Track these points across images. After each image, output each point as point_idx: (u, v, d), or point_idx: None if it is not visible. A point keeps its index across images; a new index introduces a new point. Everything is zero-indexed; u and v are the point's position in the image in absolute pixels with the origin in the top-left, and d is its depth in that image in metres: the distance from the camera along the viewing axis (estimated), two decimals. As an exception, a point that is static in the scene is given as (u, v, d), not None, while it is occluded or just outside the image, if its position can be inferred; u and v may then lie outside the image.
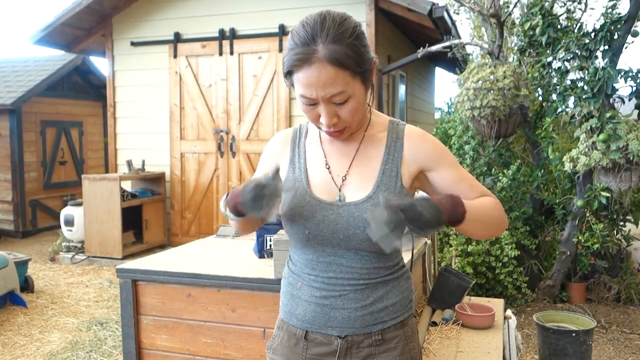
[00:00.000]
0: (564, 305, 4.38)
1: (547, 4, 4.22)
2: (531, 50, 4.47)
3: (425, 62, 8.86)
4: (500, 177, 4.41)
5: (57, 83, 8.40)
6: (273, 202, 1.10)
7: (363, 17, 5.43)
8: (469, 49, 6.37)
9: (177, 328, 2.12)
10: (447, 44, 5.03)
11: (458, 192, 1.22)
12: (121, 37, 6.52)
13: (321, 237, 1.21)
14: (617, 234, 4.36)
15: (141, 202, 6.04)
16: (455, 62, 6.37)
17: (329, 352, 1.24)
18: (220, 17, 6.05)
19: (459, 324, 2.34)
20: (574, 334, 3.10)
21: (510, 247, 4.17)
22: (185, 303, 2.10)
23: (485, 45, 4.94)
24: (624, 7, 4.14)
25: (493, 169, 4.65)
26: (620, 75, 3.87)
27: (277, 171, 1.23)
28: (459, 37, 6.37)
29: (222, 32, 6.03)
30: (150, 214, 6.19)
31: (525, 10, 4.76)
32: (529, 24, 4.29)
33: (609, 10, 3.97)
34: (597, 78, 3.81)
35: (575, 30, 4.04)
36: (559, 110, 4.31)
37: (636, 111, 4.05)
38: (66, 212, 6.13)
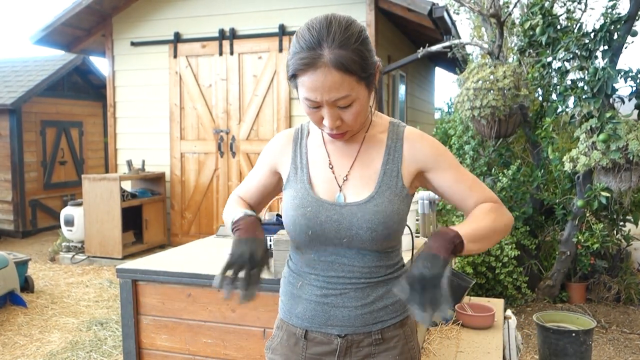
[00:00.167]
0: (564, 305, 4.38)
1: (547, 4, 4.22)
2: (531, 50, 4.47)
3: (425, 62, 8.86)
4: (500, 177, 4.41)
5: (57, 83, 8.40)
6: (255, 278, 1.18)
7: (363, 17, 5.43)
8: (469, 49, 6.38)
9: (177, 328, 2.12)
10: (447, 44, 5.03)
11: (457, 193, 1.24)
12: (121, 37, 6.52)
13: (324, 237, 1.21)
14: (617, 234, 4.36)
15: (141, 202, 6.04)
16: (455, 62, 6.37)
17: (328, 351, 1.25)
18: (220, 17, 6.05)
19: (459, 324, 2.34)
20: (574, 334, 3.10)
21: (510, 247, 4.17)
22: (185, 303, 2.10)
23: (485, 45, 4.95)
24: (624, 7, 4.15)
25: (493, 169, 4.66)
26: (620, 75, 3.87)
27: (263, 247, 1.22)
28: (459, 37, 6.37)
29: (222, 32, 6.03)
30: (150, 214, 6.19)
31: (525, 10, 4.76)
32: (529, 24, 4.29)
33: (609, 10, 3.97)
34: (597, 78, 3.81)
35: (575, 30, 4.04)
36: (559, 110, 4.31)
37: (636, 111, 4.05)
38: (66, 212, 6.13)
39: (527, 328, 3.94)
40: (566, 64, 4.11)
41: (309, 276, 1.26)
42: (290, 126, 5.83)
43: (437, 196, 2.72)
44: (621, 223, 4.36)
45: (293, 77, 1.14)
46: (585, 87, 3.93)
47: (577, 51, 3.99)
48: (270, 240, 2.19)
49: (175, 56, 6.24)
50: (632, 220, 4.31)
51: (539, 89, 4.56)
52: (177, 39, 6.22)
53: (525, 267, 4.52)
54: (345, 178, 1.24)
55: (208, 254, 2.40)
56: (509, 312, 2.56)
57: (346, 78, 1.09)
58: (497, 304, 2.58)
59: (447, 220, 4.46)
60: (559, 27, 4.21)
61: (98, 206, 5.77)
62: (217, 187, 6.20)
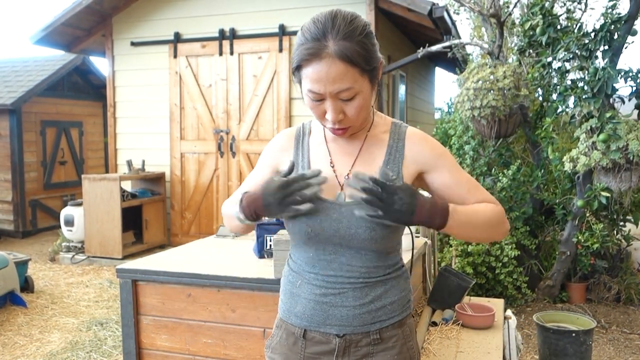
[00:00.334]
0: (564, 305, 4.38)
1: (547, 4, 4.22)
2: (531, 51, 4.47)
3: (425, 62, 8.86)
4: (500, 177, 4.41)
5: (57, 83, 8.40)
6: (301, 199, 1.13)
7: (363, 17, 5.43)
8: (469, 49, 6.38)
9: (177, 328, 2.12)
10: (447, 44, 5.03)
11: (455, 195, 1.24)
12: (121, 37, 6.52)
13: (323, 235, 1.21)
14: (617, 234, 4.36)
15: (141, 202, 6.04)
16: (455, 62, 6.37)
17: (327, 350, 1.25)
18: (220, 17, 6.05)
19: (459, 324, 2.34)
20: (574, 334, 3.10)
21: (510, 247, 4.17)
22: (185, 303, 2.10)
23: (485, 45, 4.94)
24: (624, 7, 4.15)
25: (493, 169, 4.65)
26: (620, 75, 3.87)
27: (292, 166, 1.20)
28: (459, 37, 6.37)
29: (222, 32, 6.03)
30: (150, 214, 6.19)
31: (525, 10, 4.76)
32: (529, 24, 4.29)
33: (609, 10, 3.97)
34: (597, 78, 3.81)
35: (575, 30, 4.04)
36: (559, 110, 4.31)
37: (636, 111, 4.05)
38: (66, 212, 6.13)
39: (527, 328, 3.94)
40: (566, 64, 4.11)
41: (309, 275, 1.26)
42: (290, 126, 5.84)
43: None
44: (621, 223, 4.36)
45: (297, 69, 1.15)
46: (585, 87, 3.93)
47: (577, 51, 3.99)
48: (270, 240, 2.19)
49: (175, 56, 6.24)
50: (632, 220, 4.31)
51: (539, 89, 4.56)
52: (177, 39, 6.22)
53: (525, 267, 4.52)
54: (346, 177, 1.24)
55: (208, 254, 2.40)
56: (509, 312, 2.56)
57: (350, 69, 1.10)
58: (497, 304, 2.58)
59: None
60: (559, 27, 4.21)
61: (98, 206, 5.77)
62: (217, 187, 6.20)
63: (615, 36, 3.91)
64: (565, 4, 4.50)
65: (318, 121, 1.21)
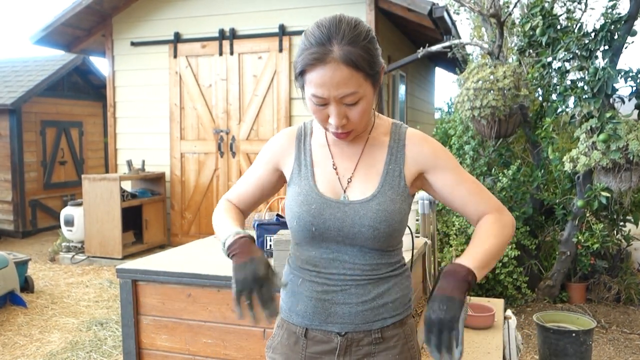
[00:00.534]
0: (564, 306, 4.38)
1: (547, 4, 4.22)
2: (531, 51, 4.47)
3: (425, 62, 8.86)
4: (500, 177, 4.41)
5: (57, 83, 8.40)
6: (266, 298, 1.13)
7: (363, 17, 5.43)
8: (469, 49, 6.37)
9: (177, 328, 2.12)
10: (447, 44, 5.03)
11: (456, 197, 1.25)
12: (121, 37, 6.52)
13: (327, 234, 1.22)
14: (617, 234, 4.36)
15: (141, 202, 6.04)
16: (455, 62, 6.37)
17: (328, 350, 1.25)
18: (220, 17, 6.05)
19: (459, 324, 2.33)
20: (574, 334, 3.10)
21: (510, 247, 4.17)
22: (185, 303, 2.10)
23: (485, 45, 4.94)
24: (624, 7, 4.15)
25: (493, 169, 4.65)
26: (620, 75, 3.87)
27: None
28: (459, 37, 6.37)
29: (222, 32, 6.03)
30: (150, 214, 6.19)
31: (526, 10, 4.76)
32: (529, 24, 4.29)
33: (609, 10, 3.97)
34: (597, 78, 3.81)
35: (575, 31, 4.04)
36: (559, 110, 4.31)
37: (636, 111, 4.05)
38: (66, 212, 6.13)
39: (527, 328, 3.94)
40: (566, 64, 4.11)
41: (310, 273, 1.26)
42: (290, 126, 5.83)
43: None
44: (621, 223, 4.36)
45: (301, 74, 1.15)
46: (585, 87, 3.93)
47: (577, 51, 3.99)
48: (270, 240, 2.19)
49: (175, 56, 6.24)
50: (632, 220, 4.31)
51: (539, 89, 4.56)
52: (177, 39, 6.22)
53: (525, 267, 4.52)
54: (349, 180, 1.25)
55: (208, 254, 2.40)
56: (509, 312, 2.56)
57: (354, 74, 1.11)
58: (497, 304, 2.58)
59: (447, 220, 4.46)
60: (559, 27, 4.20)
61: (98, 206, 5.77)
62: (217, 187, 6.20)
63: (615, 36, 3.90)
64: (565, 4, 4.50)
65: (320, 125, 1.22)
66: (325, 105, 1.15)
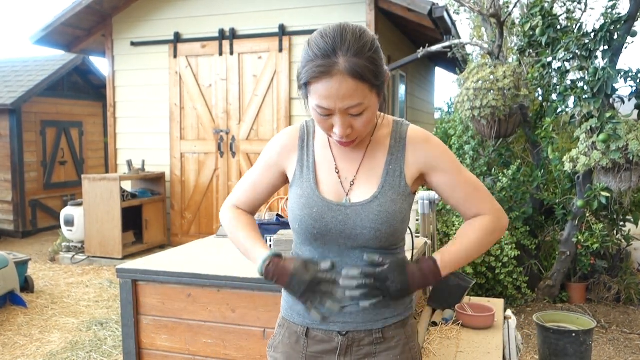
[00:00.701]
0: (564, 306, 4.38)
1: (547, 4, 4.22)
2: (531, 51, 4.47)
3: (425, 62, 8.86)
4: (500, 177, 4.41)
5: (57, 83, 8.40)
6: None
7: (363, 17, 5.43)
8: (469, 49, 6.37)
9: (177, 328, 2.12)
10: (447, 44, 5.03)
11: (457, 197, 1.27)
12: (121, 37, 6.52)
13: (329, 236, 1.23)
14: (617, 234, 4.36)
15: (141, 202, 6.04)
16: (455, 62, 6.37)
17: (329, 349, 1.25)
18: (220, 17, 6.05)
19: (459, 324, 2.34)
20: (574, 334, 3.10)
21: (510, 247, 4.17)
22: (185, 303, 2.10)
23: (485, 45, 4.95)
24: (624, 7, 4.15)
25: (493, 169, 4.66)
26: (620, 75, 3.87)
27: (332, 266, 1.21)
28: (459, 37, 6.37)
29: (222, 32, 6.03)
30: (150, 214, 6.19)
31: (525, 10, 4.76)
32: (529, 24, 4.29)
33: (609, 11, 3.97)
34: (597, 78, 3.81)
35: (575, 31, 4.04)
36: (559, 110, 4.31)
37: (636, 111, 4.05)
38: (66, 212, 6.13)
39: (527, 328, 3.94)
40: (566, 64, 4.11)
41: None
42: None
43: (437, 196, 2.72)
44: (621, 223, 4.36)
45: (305, 85, 1.13)
46: (585, 87, 3.93)
47: (577, 51, 3.99)
48: (270, 240, 2.19)
49: (175, 56, 6.24)
50: (632, 220, 4.31)
51: (539, 89, 4.56)
52: (177, 39, 6.22)
53: (525, 267, 4.52)
54: (351, 183, 1.25)
55: (208, 254, 2.40)
56: (509, 312, 2.56)
57: (360, 86, 1.10)
58: (497, 304, 2.58)
59: (447, 220, 4.46)
60: (559, 27, 4.21)
61: (98, 206, 5.77)
62: (217, 187, 6.20)
63: (615, 36, 3.90)
64: (565, 4, 4.50)
65: (324, 132, 1.22)
66: (330, 116, 1.14)
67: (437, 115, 9.82)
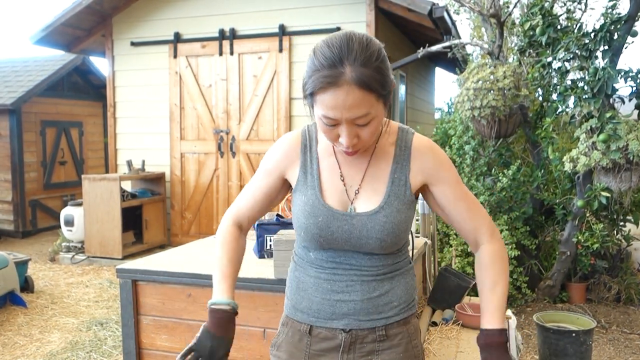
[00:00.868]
0: (564, 306, 4.38)
1: (547, 4, 4.21)
2: (531, 51, 4.47)
3: (425, 62, 8.86)
4: (500, 177, 4.41)
5: (57, 83, 8.40)
6: None
7: (363, 17, 5.43)
8: (469, 49, 6.37)
9: (177, 328, 2.12)
10: (447, 44, 5.03)
11: (455, 212, 1.27)
12: (121, 37, 6.52)
13: (334, 243, 1.24)
14: (617, 234, 4.36)
15: (141, 202, 6.04)
16: (455, 62, 6.37)
17: (332, 347, 1.26)
18: (220, 17, 6.05)
19: (459, 324, 2.34)
20: (574, 334, 3.10)
21: (510, 247, 4.17)
22: (185, 303, 2.10)
23: (485, 46, 4.94)
24: (624, 7, 4.15)
25: (493, 169, 4.65)
26: (620, 75, 3.87)
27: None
28: (459, 37, 6.37)
29: (222, 32, 6.03)
30: (150, 214, 6.19)
31: (525, 10, 4.76)
32: (529, 24, 4.29)
33: (609, 11, 3.97)
34: (597, 78, 3.81)
35: (575, 31, 4.04)
36: (559, 110, 4.31)
37: (636, 111, 4.05)
38: (66, 212, 6.13)
39: (527, 328, 3.94)
40: (566, 64, 4.11)
41: (316, 272, 1.28)
42: (290, 126, 5.84)
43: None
44: (621, 223, 4.36)
45: (311, 95, 1.12)
46: (585, 87, 3.93)
47: (577, 51, 3.99)
48: (270, 241, 2.19)
49: (175, 56, 6.24)
50: (632, 220, 4.31)
51: (539, 89, 4.56)
52: (177, 39, 6.22)
53: (525, 267, 4.52)
54: (356, 191, 1.25)
55: (208, 254, 2.40)
56: (509, 312, 2.56)
57: (367, 96, 1.09)
58: (497, 304, 2.58)
59: (447, 220, 4.45)
60: (559, 27, 4.20)
61: (98, 206, 5.77)
62: (217, 187, 6.20)
63: (615, 36, 3.90)
64: (565, 4, 4.50)
65: (330, 142, 1.21)
66: (336, 126, 1.13)
67: (437, 115, 9.81)
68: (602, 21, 3.95)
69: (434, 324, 2.33)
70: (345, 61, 1.07)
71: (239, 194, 1.40)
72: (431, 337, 2.21)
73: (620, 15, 3.87)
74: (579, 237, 4.11)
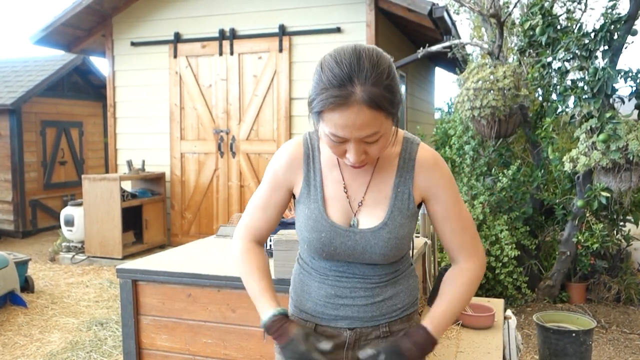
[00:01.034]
0: (564, 306, 4.38)
1: (547, 4, 4.21)
2: (531, 51, 4.47)
3: (425, 62, 8.86)
4: (500, 177, 4.41)
5: (57, 83, 8.40)
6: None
7: (363, 17, 5.43)
8: (469, 49, 6.37)
9: (177, 328, 2.12)
10: (447, 44, 5.02)
11: (442, 229, 1.27)
12: (121, 37, 6.52)
13: (338, 256, 1.25)
14: (617, 234, 4.36)
15: (141, 202, 6.04)
16: (455, 62, 6.37)
17: (338, 344, 1.27)
18: (220, 17, 6.05)
19: (459, 324, 2.34)
20: (574, 334, 3.10)
21: (510, 247, 4.17)
22: (185, 303, 2.10)
23: (485, 46, 4.94)
24: (624, 7, 4.15)
25: (493, 169, 4.65)
26: (620, 75, 3.87)
27: (333, 348, 1.19)
28: (459, 37, 6.37)
29: (222, 32, 6.03)
30: (150, 214, 6.19)
31: (525, 10, 4.76)
32: (529, 24, 4.29)
33: (609, 11, 3.97)
34: (597, 78, 3.81)
35: (575, 31, 4.04)
36: (559, 110, 4.31)
37: (636, 111, 4.05)
38: (66, 212, 6.13)
39: (527, 328, 3.94)
40: (566, 64, 4.11)
41: (320, 277, 1.29)
42: (290, 126, 5.84)
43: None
44: (621, 223, 4.36)
45: (318, 113, 1.09)
46: (585, 87, 3.93)
47: (577, 51, 3.99)
48: (270, 241, 2.19)
49: (175, 56, 6.24)
50: (632, 220, 4.31)
51: (539, 89, 4.56)
52: (177, 39, 6.22)
53: (525, 267, 4.52)
54: (360, 203, 1.25)
55: (208, 254, 2.40)
56: (509, 312, 2.56)
57: (377, 115, 1.06)
58: (497, 304, 2.58)
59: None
60: (559, 27, 4.20)
61: (98, 206, 5.77)
62: (217, 187, 6.20)
63: (615, 36, 3.90)
64: (565, 4, 4.50)
65: (336, 155, 1.19)
66: (344, 143, 1.11)
67: (437, 115, 9.81)
68: (602, 21, 3.95)
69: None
70: (355, 80, 1.04)
71: (247, 211, 1.36)
72: (431, 337, 2.20)
73: (620, 15, 3.87)
74: (579, 237, 4.11)
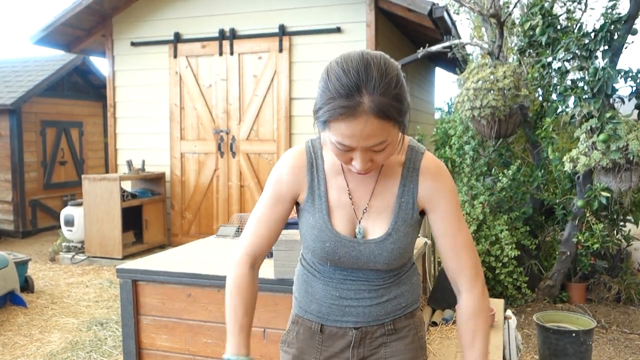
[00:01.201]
0: (564, 306, 4.38)
1: (547, 4, 4.21)
2: (531, 51, 4.47)
3: (425, 62, 8.86)
4: (500, 177, 4.41)
5: (57, 83, 8.40)
6: None
7: (363, 17, 5.43)
8: (469, 49, 6.37)
9: (177, 328, 2.12)
10: (447, 44, 5.02)
11: (441, 244, 1.25)
12: (121, 37, 6.52)
13: (342, 264, 1.26)
14: (617, 234, 4.36)
15: (141, 202, 6.04)
16: (455, 62, 6.37)
17: (343, 342, 1.30)
18: (220, 17, 6.05)
19: (459, 324, 2.33)
20: (574, 334, 3.10)
21: (510, 247, 4.17)
22: (185, 303, 2.10)
23: (485, 46, 4.94)
24: (624, 7, 4.14)
25: (493, 169, 4.65)
26: (620, 75, 3.87)
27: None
28: (459, 37, 6.37)
29: (222, 32, 6.03)
30: (150, 214, 6.19)
31: (525, 10, 4.76)
32: (529, 24, 4.29)
33: (609, 10, 3.97)
34: (597, 78, 3.81)
35: (575, 31, 4.04)
36: (559, 110, 4.31)
37: (636, 111, 4.05)
38: (66, 212, 6.13)
39: (527, 328, 3.94)
40: (566, 64, 4.11)
41: (324, 279, 1.30)
42: (290, 126, 5.84)
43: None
44: (621, 223, 4.36)
45: (324, 122, 1.07)
46: (585, 87, 3.93)
47: (577, 51, 3.99)
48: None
49: (175, 56, 6.24)
50: (632, 220, 4.31)
51: (539, 89, 4.56)
52: (177, 39, 6.22)
53: (525, 267, 4.52)
54: (364, 210, 1.24)
55: (208, 254, 2.40)
56: (509, 312, 2.56)
57: (385, 125, 1.05)
58: (497, 304, 2.58)
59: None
60: (559, 27, 4.20)
61: (98, 206, 5.77)
62: (217, 187, 6.20)
63: (615, 36, 3.90)
64: (565, 4, 4.50)
65: (341, 162, 1.17)
66: (350, 151, 1.10)
67: (437, 115, 9.81)
68: (602, 21, 3.95)
69: (434, 324, 2.33)
70: (363, 90, 1.02)
71: (249, 224, 1.32)
72: (431, 337, 2.21)
73: (620, 15, 3.87)
74: (579, 237, 4.11)
